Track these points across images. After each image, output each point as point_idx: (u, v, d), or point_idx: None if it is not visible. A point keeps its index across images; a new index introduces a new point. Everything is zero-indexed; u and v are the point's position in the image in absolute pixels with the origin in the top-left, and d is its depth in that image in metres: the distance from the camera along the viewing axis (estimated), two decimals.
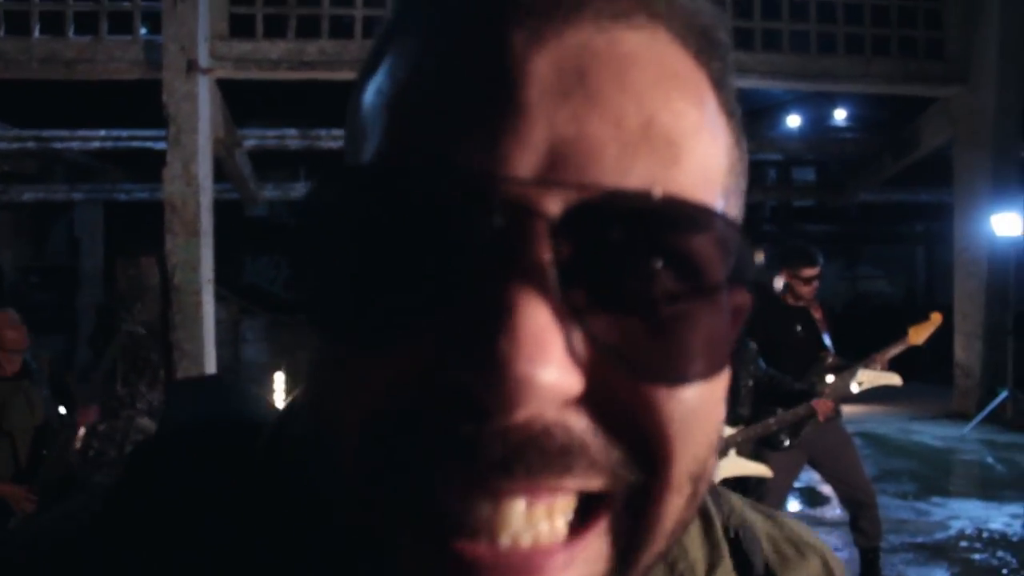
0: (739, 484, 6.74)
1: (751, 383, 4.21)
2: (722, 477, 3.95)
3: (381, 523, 0.31)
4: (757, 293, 0.37)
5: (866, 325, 10.64)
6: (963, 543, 5.70)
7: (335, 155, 11.38)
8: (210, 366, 8.34)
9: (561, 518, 0.31)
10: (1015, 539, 5.71)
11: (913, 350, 4.45)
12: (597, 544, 0.32)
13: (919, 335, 4.35)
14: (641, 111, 0.32)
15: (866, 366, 4.28)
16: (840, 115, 13.93)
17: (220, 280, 8.91)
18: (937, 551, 5.53)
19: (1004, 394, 9.56)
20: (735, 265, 0.33)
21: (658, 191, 0.31)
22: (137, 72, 8.62)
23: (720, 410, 0.36)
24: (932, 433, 9.60)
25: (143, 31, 8.74)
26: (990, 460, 8.38)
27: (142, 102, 9.05)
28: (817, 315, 4.52)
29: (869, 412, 10.61)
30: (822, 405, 4.17)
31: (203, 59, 8.40)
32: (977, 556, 5.44)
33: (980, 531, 5.90)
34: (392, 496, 0.31)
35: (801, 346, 4.45)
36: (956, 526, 6.06)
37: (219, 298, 9.12)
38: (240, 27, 8.81)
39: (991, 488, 7.25)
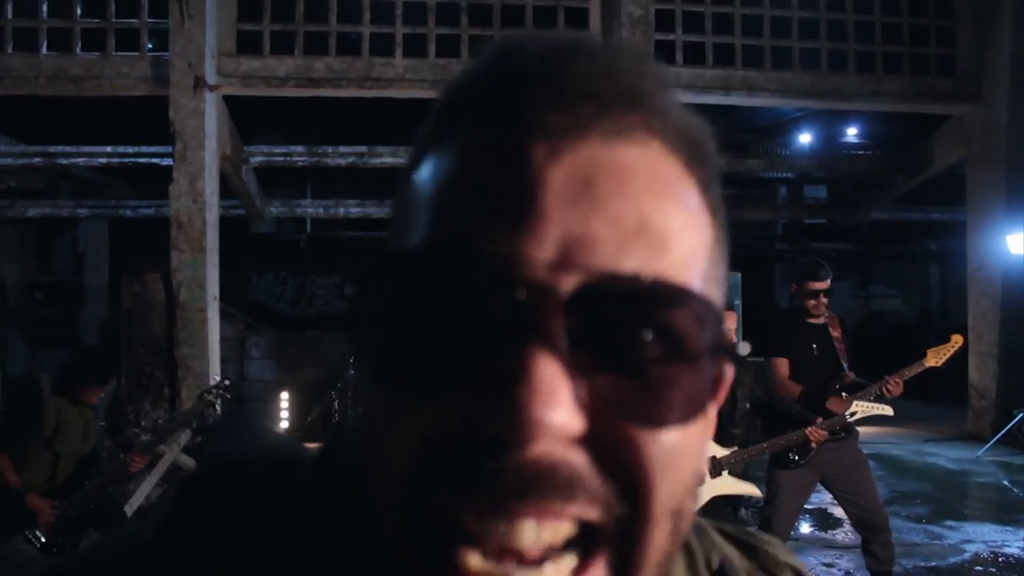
0: (745, 501, 6.64)
1: (747, 406, 4.18)
2: (715, 495, 4.01)
3: (420, 536, 0.38)
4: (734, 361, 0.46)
5: (880, 344, 10.54)
6: (978, 568, 5.59)
7: (342, 172, 11.38)
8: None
9: (561, 543, 0.38)
10: None
11: (928, 371, 4.40)
12: (595, 572, 0.39)
13: (938, 357, 4.34)
14: (636, 212, 0.40)
15: (881, 387, 4.25)
16: (852, 132, 13.86)
17: (226, 297, 8.90)
18: (951, 575, 5.41)
19: (1020, 415, 9.43)
20: (712, 336, 0.40)
21: (648, 276, 0.39)
22: (144, 88, 8.65)
23: (696, 460, 0.43)
24: (946, 455, 9.47)
25: (150, 48, 8.77)
26: (1006, 483, 8.25)
27: (149, 118, 9.07)
28: (836, 333, 4.49)
29: (882, 433, 10.47)
30: (815, 433, 4.17)
31: (210, 76, 8.43)
32: None
33: (995, 555, 5.80)
34: (430, 514, 0.38)
35: (817, 364, 4.42)
36: (971, 550, 5.95)
37: (225, 315, 9.10)
38: (247, 44, 8.84)
39: (1007, 511, 7.13)
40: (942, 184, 11.62)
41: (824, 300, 4.41)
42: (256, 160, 10.26)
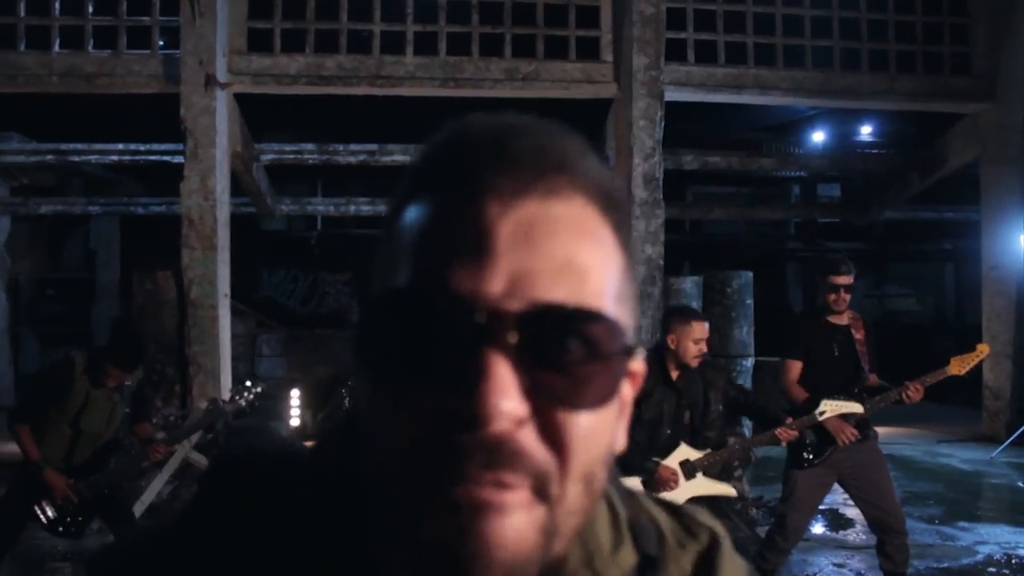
0: (756, 501, 6.62)
1: (721, 408, 4.20)
2: (691, 496, 4.02)
3: (410, 502, 0.51)
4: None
5: (894, 344, 10.48)
6: (991, 569, 5.57)
7: (352, 170, 11.39)
8: (226, 380, 8.32)
9: (514, 495, 0.51)
10: None
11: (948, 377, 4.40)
12: (537, 512, 0.52)
13: (962, 366, 4.34)
14: (564, 252, 0.52)
15: (901, 392, 4.23)
16: (866, 131, 13.78)
17: (236, 294, 8.93)
18: None
19: None
20: (619, 344, 0.54)
21: (572, 303, 0.52)
22: (155, 86, 8.68)
23: (608, 437, 0.56)
24: (960, 456, 9.42)
25: (161, 45, 8.81)
26: (1020, 484, 8.22)
27: (160, 116, 9.11)
28: (858, 335, 4.46)
29: (896, 434, 10.42)
30: (785, 433, 4.18)
31: (221, 73, 8.45)
32: None
33: (1009, 557, 5.79)
34: (418, 483, 0.51)
35: (837, 365, 4.40)
36: (983, 551, 5.93)
37: (235, 312, 9.13)
38: (258, 42, 8.85)
39: (1021, 513, 7.13)
40: (957, 183, 11.56)
41: (845, 296, 4.38)
42: (267, 158, 10.28)
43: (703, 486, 4.11)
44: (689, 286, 9.45)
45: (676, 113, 9.01)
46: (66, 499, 4.26)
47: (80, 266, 14.14)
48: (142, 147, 10.01)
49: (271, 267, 14.59)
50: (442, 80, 9.01)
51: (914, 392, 4.21)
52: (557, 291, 0.51)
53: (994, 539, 6.20)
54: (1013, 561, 5.66)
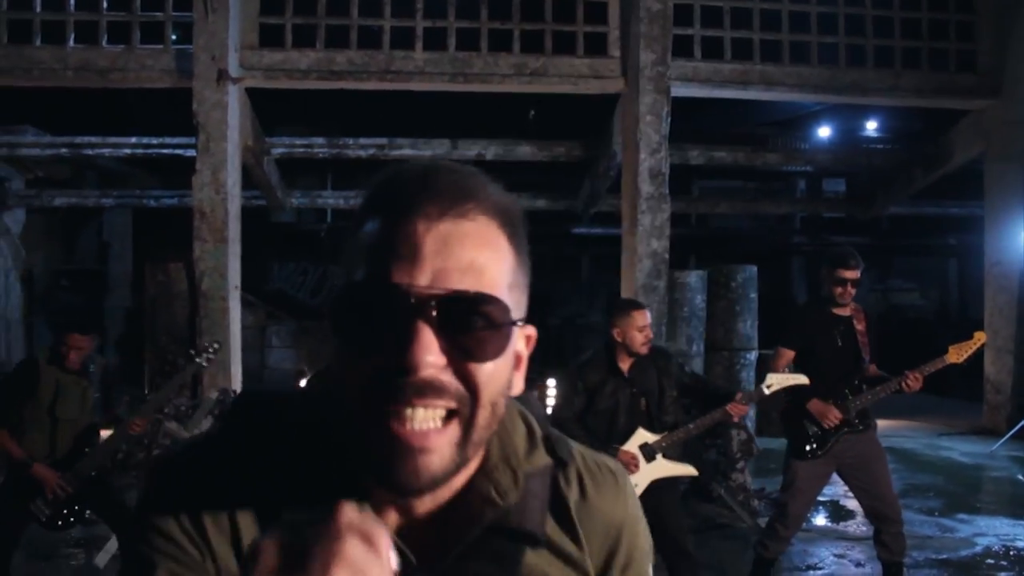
0: (758, 492, 6.69)
1: (675, 393, 4.32)
2: (654, 479, 4.15)
3: (370, 421, 0.75)
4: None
5: (898, 338, 10.55)
6: (989, 560, 5.62)
7: (362, 163, 11.47)
8: (236, 372, 8.42)
9: (438, 418, 0.75)
10: None
11: (947, 366, 4.42)
12: (453, 430, 0.76)
13: (960, 354, 4.32)
14: (469, 257, 0.75)
15: (900, 382, 4.27)
16: (871, 127, 13.81)
17: (247, 286, 9.01)
18: (962, 568, 5.46)
19: None
20: (512, 316, 0.78)
21: (472, 290, 0.75)
22: (168, 81, 8.77)
23: (504, 379, 0.80)
24: (960, 449, 9.49)
25: (174, 40, 8.89)
26: (1020, 477, 8.28)
27: (172, 110, 9.20)
28: (860, 326, 4.50)
29: (897, 427, 10.50)
30: (736, 409, 4.23)
31: (233, 68, 8.54)
32: (1003, 574, 5.37)
33: (1007, 549, 5.83)
34: (374, 409, 0.74)
35: (838, 356, 4.44)
36: (982, 543, 5.98)
37: (246, 304, 9.22)
38: (270, 37, 8.94)
39: (1020, 506, 7.16)
40: (961, 179, 11.60)
41: (852, 290, 4.41)
42: (278, 151, 10.38)
43: (664, 467, 4.21)
44: (694, 280, 9.52)
45: (682, 108, 9.08)
46: (58, 492, 4.28)
47: (93, 257, 14.24)
48: (155, 140, 10.10)
49: (281, 259, 14.69)
50: (451, 75, 9.09)
51: (913, 381, 4.24)
52: (463, 283, 0.75)
53: (993, 531, 6.26)
54: (1011, 553, 5.72)
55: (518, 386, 0.84)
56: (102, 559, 5.21)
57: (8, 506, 4.32)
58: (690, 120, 9.67)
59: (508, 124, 11.56)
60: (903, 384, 4.27)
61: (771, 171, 14.38)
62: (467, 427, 0.77)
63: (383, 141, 10.43)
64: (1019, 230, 9.76)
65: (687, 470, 4.35)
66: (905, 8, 9.90)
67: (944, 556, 5.71)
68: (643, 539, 0.98)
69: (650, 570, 0.98)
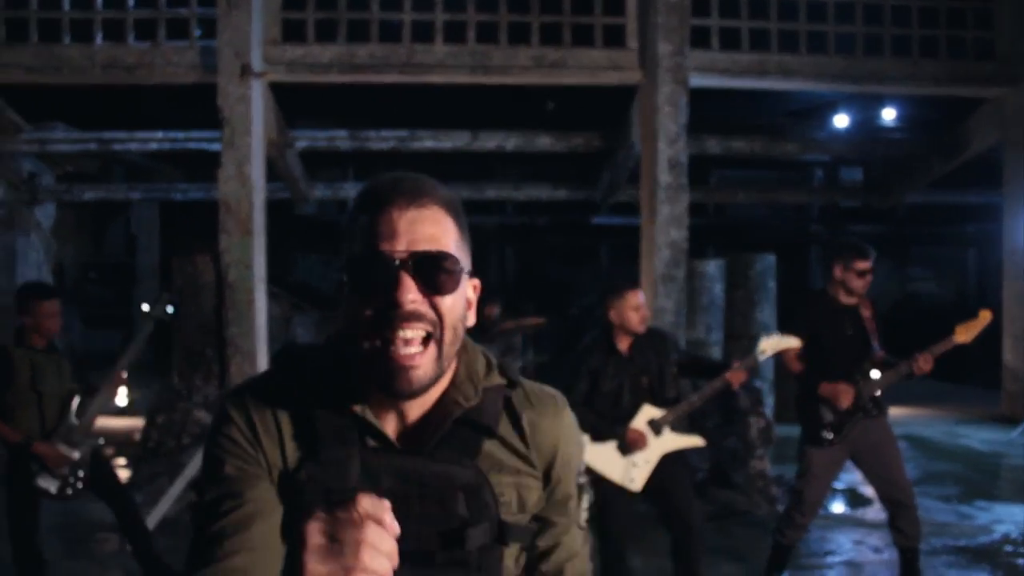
0: (777, 479, 6.76)
1: (675, 370, 4.46)
2: (664, 451, 4.31)
3: (374, 344, 1.13)
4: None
5: (915, 326, 10.58)
6: (1007, 547, 5.68)
7: (383, 156, 11.59)
8: (262, 362, 8.56)
9: (419, 339, 1.13)
10: None
11: (961, 353, 4.46)
12: (431, 351, 1.14)
13: (967, 333, 4.34)
14: (428, 231, 1.15)
15: (911, 364, 4.33)
16: (889, 115, 13.76)
17: (271, 277, 9.13)
18: (980, 555, 5.52)
19: None
20: (460, 265, 1.17)
21: (434, 250, 1.14)
22: (193, 76, 8.89)
23: (461, 309, 1.19)
24: (978, 437, 9.52)
25: (198, 36, 9.01)
26: None
27: (198, 105, 9.32)
28: (866, 313, 4.57)
29: (914, 415, 10.55)
30: (734, 376, 4.34)
31: (257, 63, 8.64)
32: (1021, 561, 5.42)
33: None
34: (377, 335, 1.13)
35: (848, 343, 4.51)
36: (1000, 530, 6.04)
37: (271, 295, 9.34)
38: (292, 32, 9.04)
39: None
40: (980, 167, 11.57)
41: (869, 280, 4.48)
42: (300, 144, 10.48)
43: (673, 441, 4.35)
44: (713, 269, 9.59)
45: (700, 98, 9.13)
46: (60, 464, 4.40)
47: (122, 250, 14.45)
48: (180, 135, 10.23)
49: (304, 251, 14.85)
50: (471, 68, 9.17)
51: (924, 362, 4.28)
52: (427, 247, 1.13)
53: (1011, 518, 6.31)
54: None
55: (471, 319, 1.22)
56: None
57: (19, 489, 4.43)
58: (708, 110, 9.70)
59: (527, 116, 11.63)
60: (914, 366, 4.32)
61: (788, 160, 14.38)
62: (439, 346, 1.14)
63: (404, 134, 10.53)
64: None
65: (695, 441, 4.47)
66: None
67: (962, 543, 5.77)
68: (575, 458, 1.32)
69: (575, 484, 1.33)
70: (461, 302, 1.18)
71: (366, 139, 10.58)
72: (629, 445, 4.27)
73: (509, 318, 8.50)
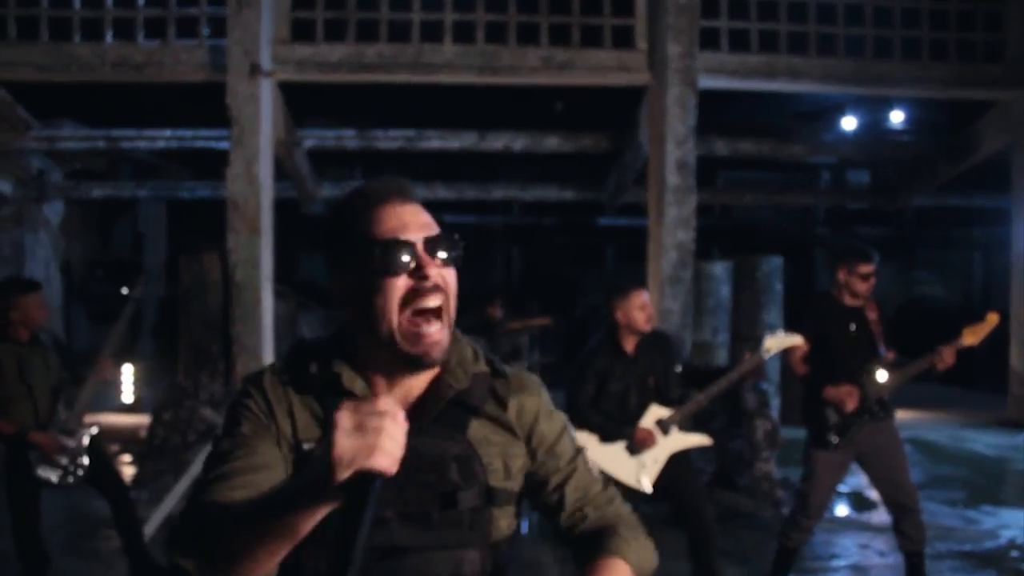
0: (782, 482, 6.75)
1: (679, 369, 4.52)
2: (672, 451, 4.34)
3: (408, 320, 1.35)
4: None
5: (920, 329, 10.55)
6: (1013, 552, 5.68)
7: (391, 155, 11.61)
8: (268, 359, 8.58)
9: (440, 310, 1.36)
10: None
11: (967, 356, 4.45)
12: (446, 329, 1.37)
13: (974, 336, 4.34)
14: (425, 219, 1.40)
15: (933, 358, 4.32)
16: (896, 118, 13.72)
17: (278, 276, 9.15)
18: (985, 560, 5.52)
19: None
20: (456, 245, 1.42)
21: (435, 233, 1.39)
22: (202, 75, 8.92)
23: (455, 281, 1.42)
24: (984, 441, 9.49)
25: (208, 35, 9.03)
26: None
27: (206, 104, 9.34)
28: (872, 315, 4.57)
29: (921, 419, 10.53)
30: (749, 366, 4.39)
31: (266, 62, 8.67)
32: None
33: None
34: (412, 308, 1.34)
35: (854, 345, 4.51)
36: (1006, 535, 6.03)
37: (277, 294, 9.35)
38: (301, 31, 9.06)
39: None
40: (988, 170, 11.54)
41: (872, 283, 4.49)
42: (308, 143, 10.50)
43: (680, 440, 4.39)
44: (720, 271, 9.60)
45: (708, 100, 9.12)
46: (58, 452, 4.43)
47: (129, 248, 14.50)
48: (188, 133, 10.25)
49: (311, 249, 14.88)
50: (479, 68, 9.18)
51: (948, 355, 4.26)
52: (430, 232, 1.37)
53: (1017, 523, 6.29)
54: None
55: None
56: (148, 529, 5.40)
57: (19, 482, 4.46)
58: (715, 112, 9.69)
59: (535, 116, 11.62)
60: (936, 360, 4.29)
61: (795, 163, 14.35)
62: (448, 317, 1.37)
63: (411, 133, 10.54)
64: None
65: (702, 440, 4.51)
66: None
67: (968, 548, 5.77)
68: (557, 422, 1.52)
69: (567, 443, 1.52)
70: (455, 277, 1.41)
71: (374, 138, 10.60)
72: (638, 445, 4.28)
73: (515, 318, 8.52)
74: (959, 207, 14.17)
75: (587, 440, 4.35)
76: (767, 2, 9.56)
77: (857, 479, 7.05)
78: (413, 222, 1.36)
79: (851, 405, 4.39)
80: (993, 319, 4.39)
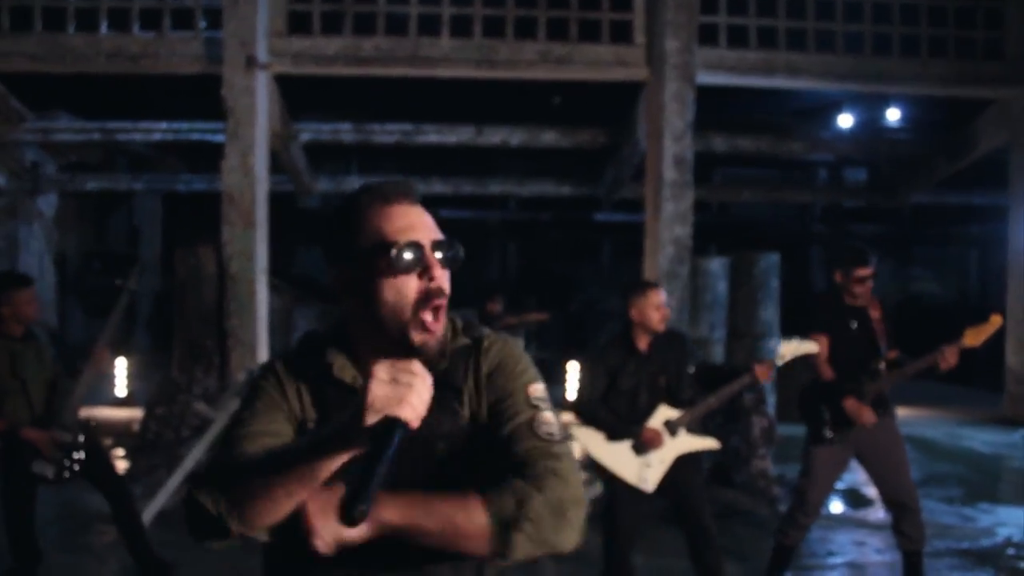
0: (779, 479, 6.74)
1: (692, 369, 4.45)
2: (679, 452, 4.29)
3: (413, 320, 1.42)
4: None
5: (916, 326, 10.54)
6: (1010, 550, 5.67)
7: (388, 149, 11.56)
8: (263, 353, 8.55)
9: (443, 309, 1.45)
10: None
11: (964, 355, 4.42)
12: (443, 322, 1.46)
13: (976, 337, 4.29)
14: (430, 221, 1.48)
15: (936, 357, 4.27)
16: (894, 115, 13.71)
17: (273, 270, 9.11)
18: (983, 558, 5.51)
19: None
20: (455, 247, 1.48)
21: (439, 238, 1.46)
22: (198, 67, 8.87)
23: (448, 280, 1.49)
24: (981, 439, 9.50)
25: (204, 27, 8.98)
26: None
27: (202, 96, 9.29)
28: (875, 314, 4.54)
29: (918, 416, 10.52)
30: (761, 371, 4.26)
31: (262, 55, 8.62)
32: None
33: None
34: (423, 308, 1.42)
35: (856, 344, 4.49)
36: (1003, 533, 6.02)
37: (272, 287, 9.32)
38: (298, 24, 9.02)
39: None
40: (985, 168, 11.53)
41: (871, 285, 4.47)
42: (305, 137, 10.45)
43: (687, 442, 4.33)
44: (716, 267, 9.56)
45: (706, 96, 9.09)
46: (53, 448, 4.38)
47: (124, 241, 14.45)
48: (184, 126, 10.20)
49: (307, 243, 14.84)
50: (477, 62, 9.14)
51: (951, 355, 4.20)
52: (436, 235, 1.44)
53: (1014, 521, 6.29)
54: None
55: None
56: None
57: (13, 477, 4.42)
58: (713, 108, 9.66)
59: (533, 111, 11.60)
60: (940, 358, 4.23)
61: (792, 159, 14.34)
62: (444, 314, 1.44)
63: (409, 127, 10.49)
64: None
65: (710, 444, 4.45)
66: None
67: (965, 545, 5.75)
68: (523, 362, 1.55)
69: (511, 388, 1.52)
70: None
71: (371, 132, 10.55)
72: (645, 444, 4.24)
73: (511, 313, 8.49)
74: (955, 204, 14.17)
75: (593, 437, 4.32)
76: None
77: (854, 476, 7.04)
78: (420, 224, 1.44)
79: (869, 421, 4.35)
80: (996, 321, 4.34)
